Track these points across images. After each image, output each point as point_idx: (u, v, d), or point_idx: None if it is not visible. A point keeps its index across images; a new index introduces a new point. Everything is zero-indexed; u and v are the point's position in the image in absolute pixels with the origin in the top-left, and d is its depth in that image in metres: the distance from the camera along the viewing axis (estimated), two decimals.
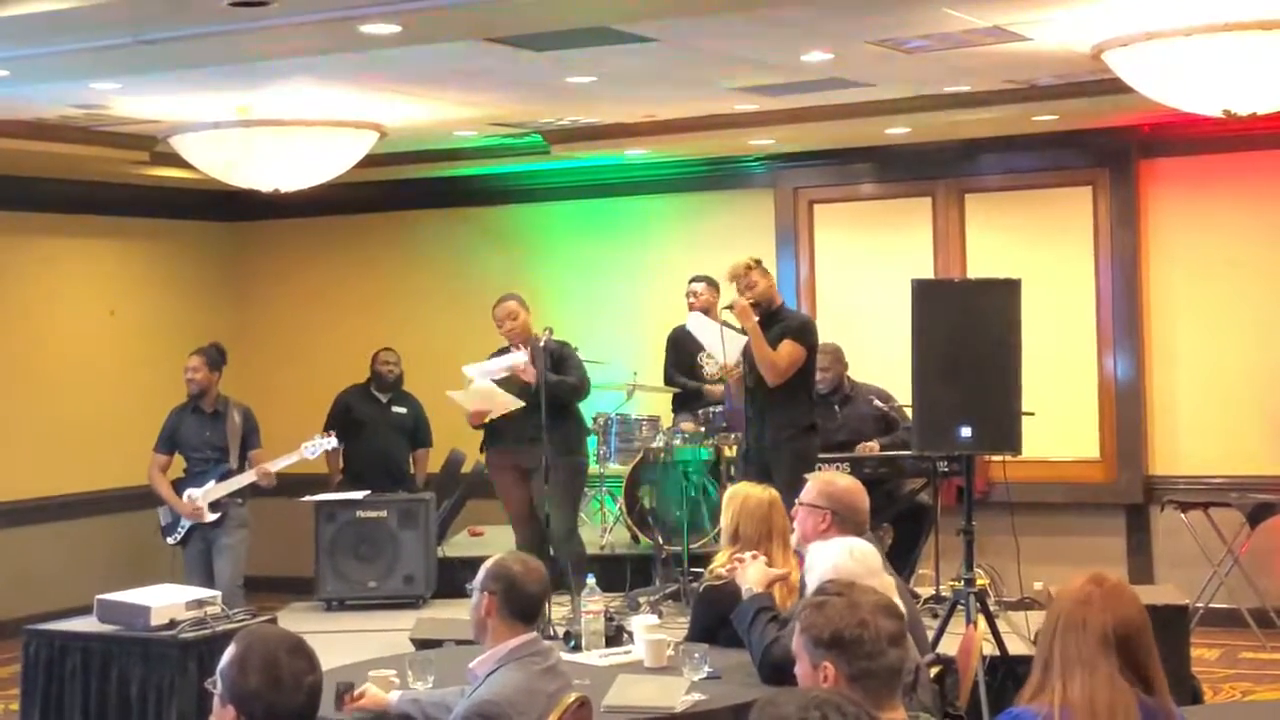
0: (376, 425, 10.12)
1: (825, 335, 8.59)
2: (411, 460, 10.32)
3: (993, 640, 6.93)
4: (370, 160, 9.16)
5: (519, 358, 8.26)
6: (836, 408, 8.98)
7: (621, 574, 9.20)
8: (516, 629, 4.37)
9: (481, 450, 8.79)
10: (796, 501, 5.49)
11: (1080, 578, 3.44)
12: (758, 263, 8.11)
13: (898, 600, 4.64)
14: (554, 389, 8.18)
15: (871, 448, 8.73)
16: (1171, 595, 7.40)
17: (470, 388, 8.39)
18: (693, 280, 9.54)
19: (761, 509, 5.61)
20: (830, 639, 3.31)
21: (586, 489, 9.48)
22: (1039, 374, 8.32)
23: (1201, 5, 6.33)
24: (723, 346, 8.10)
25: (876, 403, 8.96)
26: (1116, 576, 3.48)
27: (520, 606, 4.37)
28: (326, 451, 9.23)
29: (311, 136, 8.40)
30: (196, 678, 6.15)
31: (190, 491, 8.76)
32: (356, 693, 4.67)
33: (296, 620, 8.67)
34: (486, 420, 8.48)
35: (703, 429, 9.14)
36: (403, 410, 10.26)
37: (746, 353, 8.01)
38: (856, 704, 2.74)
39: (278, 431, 9.36)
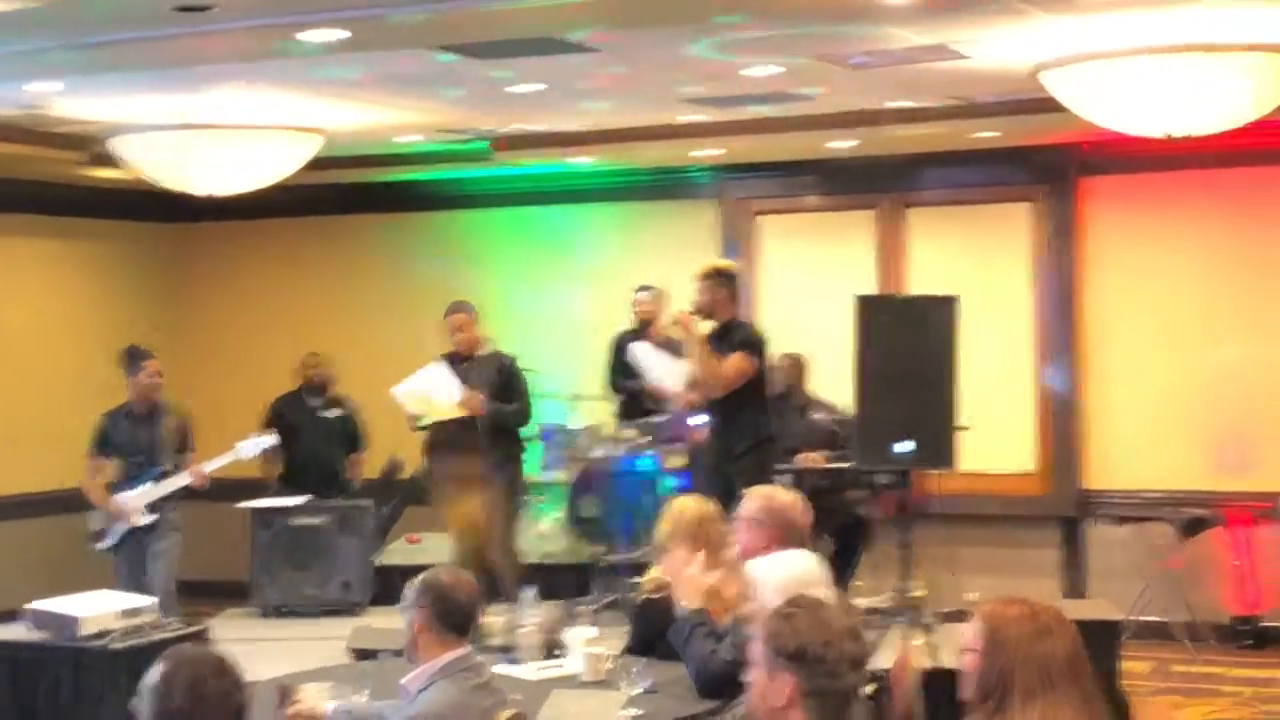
0: (309, 430, 9.99)
1: (771, 346, 8.61)
2: (347, 464, 10.26)
3: (928, 653, 6.96)
4: (312, 164, 9.09)
5: (452, 393, 8.19)
6: (792, 415, 9.00)
7: (561, 584, 9.16)
8: (448, 643, 4.34)
9: (424, 456, 8.75)
10: (736, 515, 5.49)
11: (1010, 604, 3.47)
12: (719, 272, 7.97)
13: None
14: (497, 419, 8.19)
15: (814, 458, 8.75)
16: (1103, 610, 7.49)
17: (411, 388, 8.34)
18: (638, 290, 9.54)
19: (693, 523, 5.60)
20: (794, 651, 3.31)
21: (526, 498, 9.46)
22: (977, 387, 8.40)
23: (1139, 28, 6.38)
24: (669, 374, 8.09)
25: (818, 416, 8.98)
26: (1040, 600, 3.53)
27: (452, 619, 4.34)
28: (265, 454, 9.17)
29: (253, 140, 8.35)
30: (128, 689, 6.07)
31: (122, 494, 8.68)
32: (294, 698, 4.64)
33: (233, 627, 8.60)
34: (418, 425, 8.42)
35: (644, 437, 9.15)
36: (335, 414, 10.18)
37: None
38: None
39: (215, 435, 9.29)
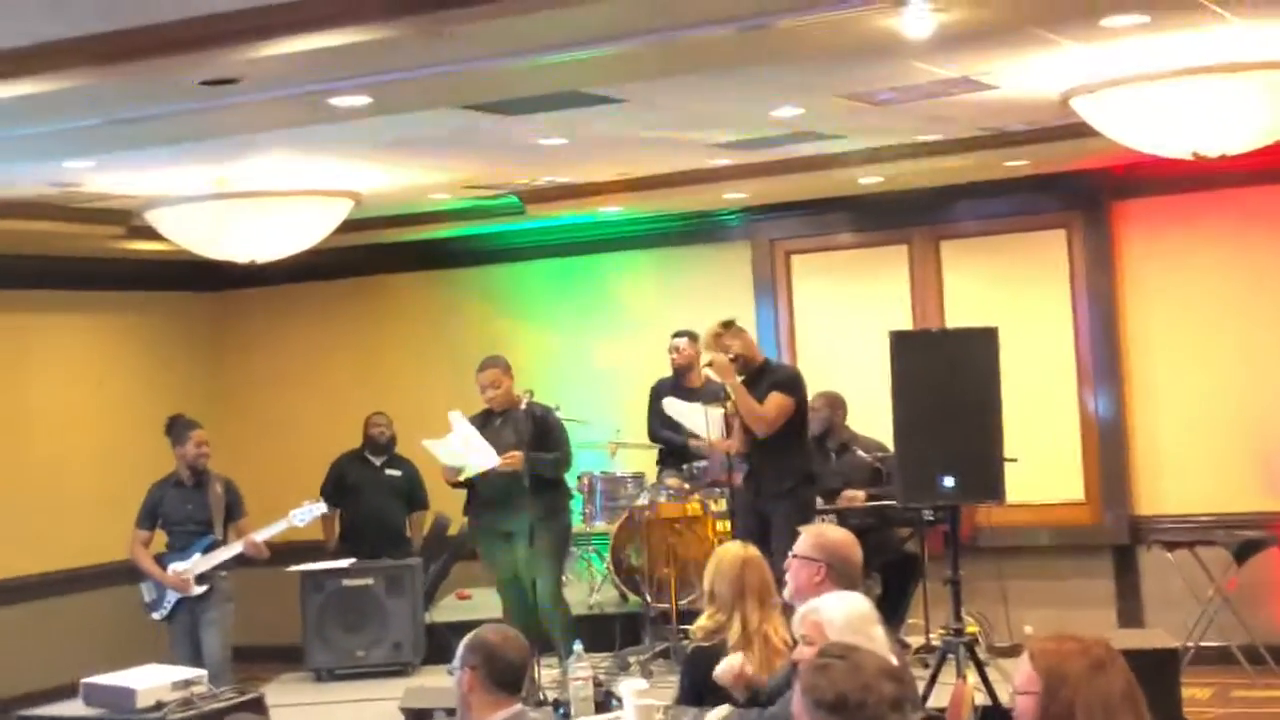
0: (371, 489, 10.05)
1: (808, 386, 8.60)
2: (408, 523, 10.26)
3: (983, 690, 6.91)
4: (347, 225, 9.17)
5: (488, 459, 8.20)
6: (833, 455, 8.99)
7: (611, 633, 9.17)
8: (501, 702, 4.33)
9: (465, 514, 8.76)
10: (790, 554, 5.47)
11: (1061, 642, 3.44)
12: (729, 325, 8.17)
13: (892, 657, 4.67)
14: (539, 469, 8.18)
15: (856, 497, 8.73)
16: (1161, 639, 7.40)
17: (447, 442, 8.33)
18: (675, 336, 9.55)
19: (735, 569, 5.58)
20: (834, 702, 3.29)
21: (573, 549, 9.45)
22: (1021, 418, 8.35)
23: (1166, 51, 6.37)
24: (706, 425, 8.10)
25: (859, 452, 8.96)
26: (1091, 636, 3.50)
27: (502, 677, 4.34)
28: (321, 518, 9.22)
29: (287, 206, 8.41)
30: None
31: (175, 565, 8.70)
32: None
33: (286, 692, 8.64)
34: (460, 479, 8.40)
35: (687, 485, 9.14)
36: (397, 473, 10.21)
37: (740, 417, 8.02)
38: None
39: (266, 502, 9.31)
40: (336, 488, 9.85)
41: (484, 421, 8.44)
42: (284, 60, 5.44)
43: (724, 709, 5.16)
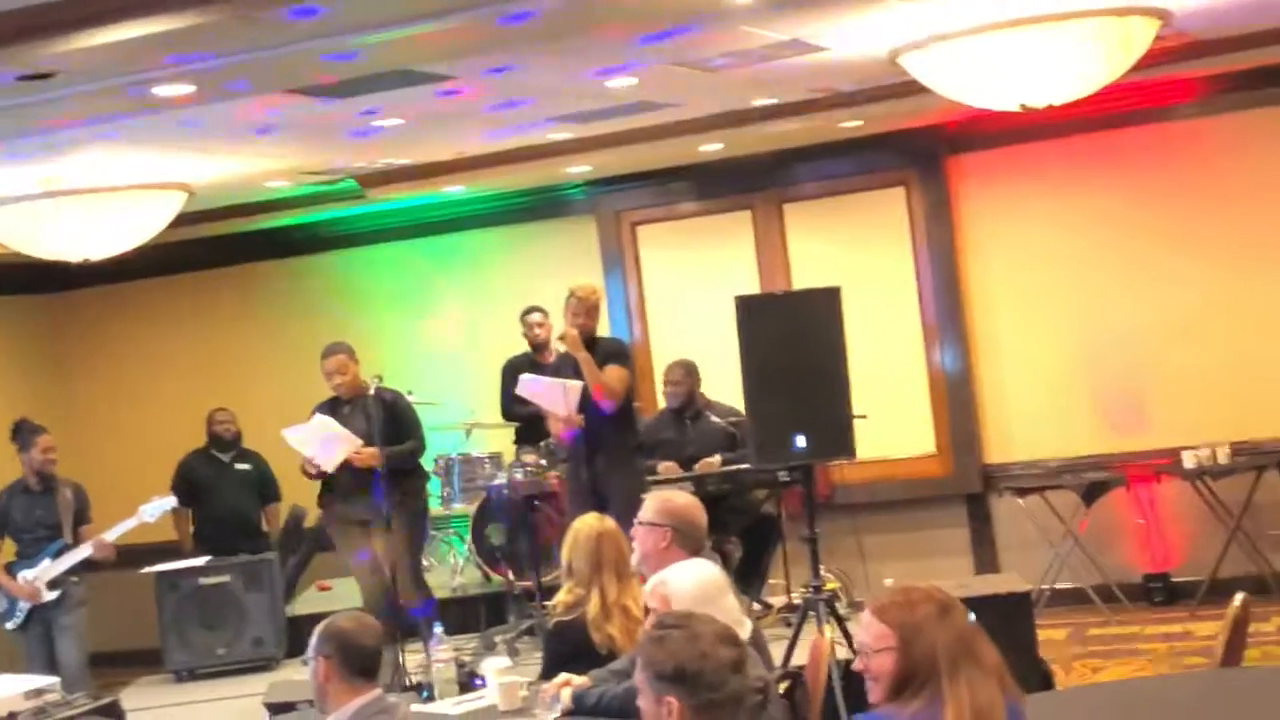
0: (221, 485, 9.84)
1: (659, 355, 8.65)
2: (263, 516, 10.12)
3: (845, 644, 6.98)
4: (182, 219, 8.97)
5: (345, 443, 8.10)
6: (688, 423, 9.01)
7: (476, 614, 9.14)
8: (358, 689, 4.30)
9: (319, 505, 8.66)
10: (635, 521, 5.48)
11: (901, 594, 3.49)
12: (590, 296, 8.21)
13: (744, 623, 4.70)
14: (395, 461, 8.10)
15: (712, 464, 8.77)
16: (1015, 583, 7.53)
17: (310, 427, 8.21)
18: (528, 313, 9.49)
19: (591, 542, 5.59)
20: (673, 673, 3.29)
21: (433, 532, 9.39)
22: (870, 375, 8.45)
23: (990, 4, 6.44)
24: (564, 398, 8.07)
25: (713, 419, 8.99)
26: (927, 584, 3.55)
27: (358, 664, 4.30)
28: (174, 515, 9.05)
29: (117, 202, 8.21)
30: None
31: (24, 573, 8.51)
32: None
33: (145, 695, 8.51)
34: (327, 471, 8.29)
35: (544, 460, 9.11)
36: (247, 467, 10.03)
37: (585, 393, 8.03)
38: None
39: (117, 505, 9.08)
40: (186, 487, 9.65)
41: (332, 409, 8.34)
42: (101, 51, 5.32)
43: (582, 680, 5.16)
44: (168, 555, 9.50)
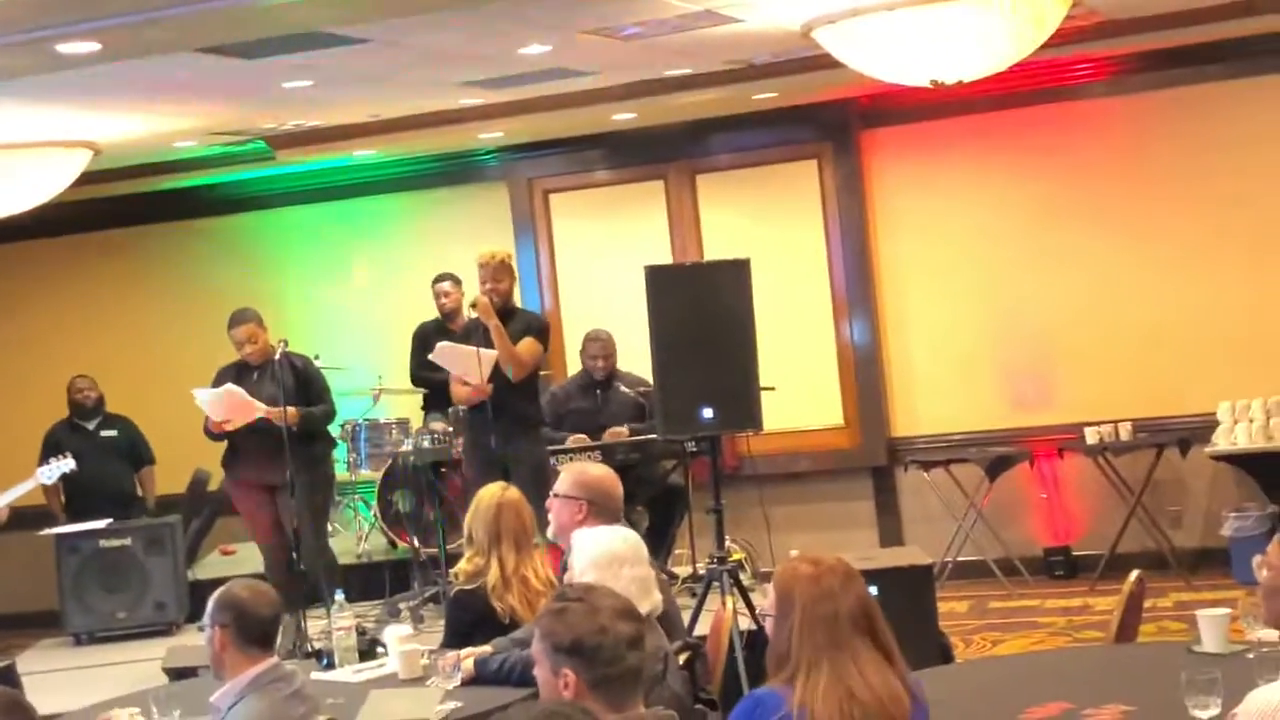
0: (88, 453, 9.45)
1: (571, 324, 8.63)
2: (137, 481, 9.98)
3: (749, 614, 7.02)
4: (87, 177, 8.84)
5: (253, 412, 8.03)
6: (598, 393, 9.00)
7: (381, 581, 9.10)
8: (254, 657, 4.26)
9: (222, 466, 8.55)
10: (551, 493, 5.47)
11: (799, 564, 3.50)
12: (506, 263, 8.18)
13: (655, 592, 4.71)
14: (307, 424, 8.04)
15: (620, 433, 8.77)
16: (916, 556, 7.59)
17: (218, 393, 8.10)
18: (438, 280, 9.44)
19: (491, 511, 5.56)
20: (570, 646, 3.29)
21: (338, 498, 9.33)
22: (779, 347, 8.51)
23: None
24: (479, 366, 8.03)
25: (622, 388, 8.99)
26: (832, 555, 3.55)
27: (254, 633, 4.27)
28: (43, 488, 8.92)
29: (19, 159, 8.08)
30: None
31: None
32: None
33: (43, 658, 8.42)
34: (227, 429, 8.18)
35: (452, 428, 9.08)
36: (113, 433, 9.88)
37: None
38: (585, 712, 2.73)
39: (7, 468, 8.99)
40: (52, 455, 9.41)
41: (238, 374, 8.23)
42: (3, 5, 5.22)
43: (484, 648, 5.16)
44: (45, 521, 9.37)
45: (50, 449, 9.41)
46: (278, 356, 8.06)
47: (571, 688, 3.26)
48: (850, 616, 3.41)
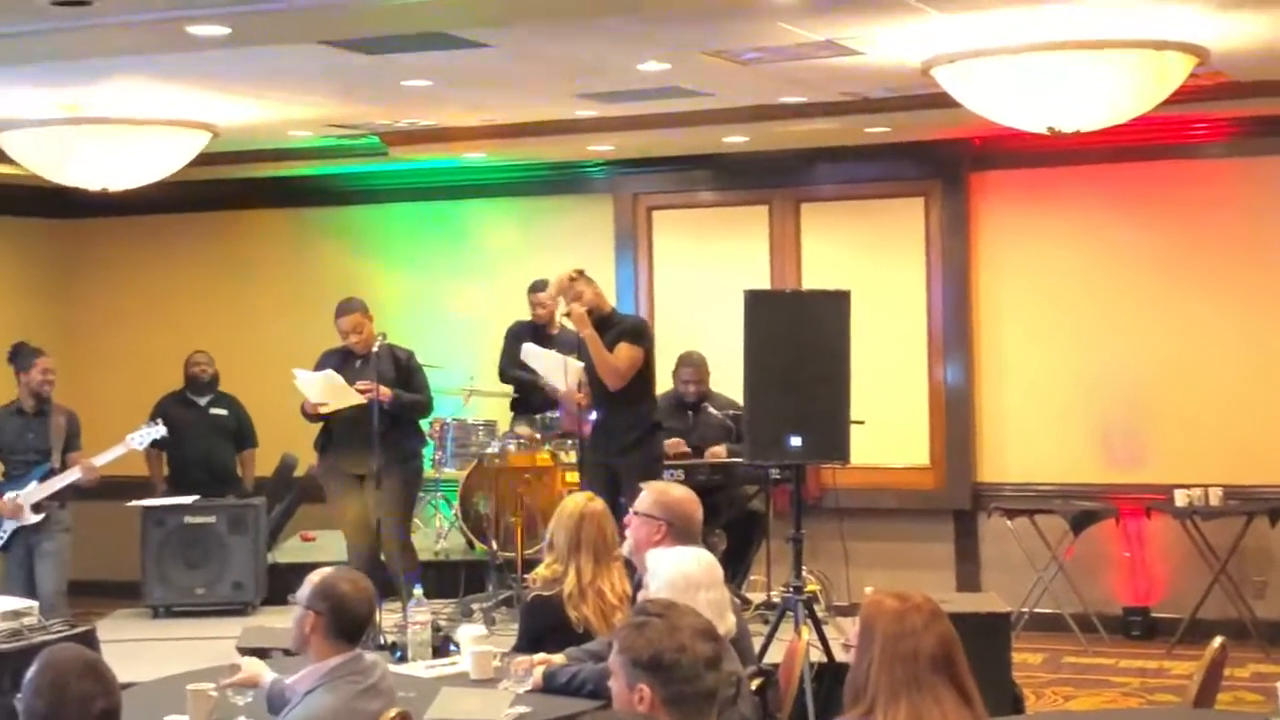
0: (196, 429, 9.76)
1: (664, 342, 8.64)
2: (238, 462, 10.10)
3: (820, 647, 7.01)
4: (204, 159, 9.00)
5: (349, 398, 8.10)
6: (690, 413, 9.01)
7: (456, 580, 9.16)
8: (339, 647, 4.31)
9: (316, 449, 8.63)
10: (631, 510, 5.49)
11: (886, 597, 3.49)
12: (580, 273, 8.12)
13: (730, 613, 4.72)
14: (405, 409, 8.11)
15: (719, 453, 8.77)
16: (994, 604, 7.54)
17: (317, 377, 8.20)
18: (535, 290, 9.47)
19: (573, 520, 5.59)
20: (649, 661, 3.31)
21: (421, 494, 9.40)
22: (871, 382, 8.46)
23: (1028, 25, 6.44)
24: (564, 375, 8.07)
25: (712, 410, 8.99)
26: (919, 593, 3.54)
27: (345, 628, 4.31)
28: (150, 454, 9.05)
29: (141, 135, 8.23)
30: (10, 690, 5.98)
31: (9, 494, 8.53)
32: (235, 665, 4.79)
33: (120, 628, 8.53)
34: (322, 411, 8.25)
35: (539, 434, 9.13)
36: (222, 411, 9.99)
37: (589, 368, 8.01)
38: None
39: (104, 434, 9.13)
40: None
41: (342, 361, 8.31)
42: None
43: (557, 657, 5.18)
44: (142, 491, 9.51)
45: (158, 418, 9.57)
46: (375, 348, 8.13)
47: (646, 703, 3.27)
48: (931, 656, 3.39)
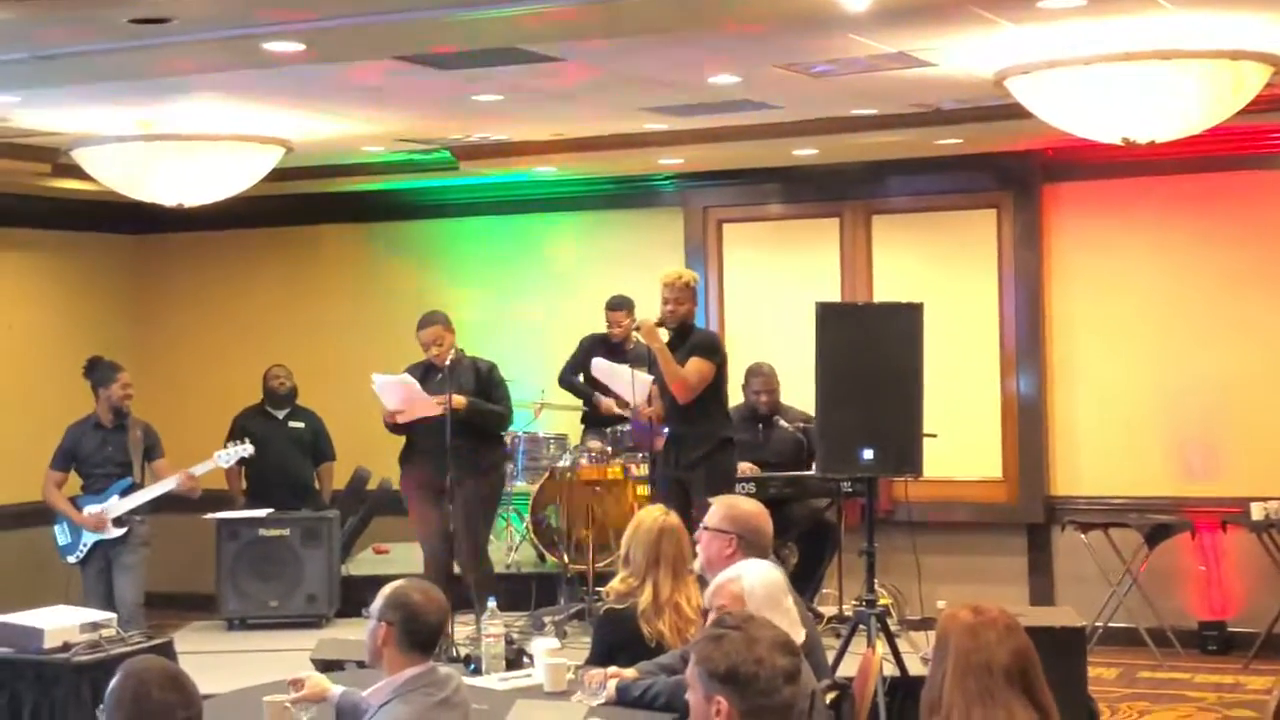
0: (274, 442, 9.80)
1: (734, 354, 8.63)
2: (316, 476, 10.18)
3: (893, 661, 6.98)
4: (277, 174, 9.09)
5: (426, 408, 8.12)
6: (760, 427, 9.00)
7: (527, 593, 9.18)
8: (413, 659, 4.32)
9: (400, 465, 8.64)
10: (701, 526, 5.49)
11: (961, 610, 3.48)
12: (690, 286, 8.05)
13: (800, 627, 4.70)
14: (484, 418, 8.13)
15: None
16: (1069, 617, 7.49)
17: (394, 381, 8.22)
18: (615, 308, 9.48)
19: (651, 535, 5.59)
20: (726, 674, 3.29)
21: (501, 508, 9.42)
22: (943, 394, 8.41)
23: (1101, 35, 6.41)
24: (632, 389, 8.08)
25: (783, 423, 8.98)
26: (996, 606, 3.52)
27: (418, 638, 4.32)
28: (238, 464, 9.15)
29: (216, 151, 8.32)
30: (90, 702, 6.06)
31: (90, 507, 8.63)
32: (297, 679, 4.80)
33: (196, 640, 8.61)
34: (400, 421, 8.26)
35: (609, 448, 9.15)
36: (300, 425, 10.06)
37: (659, 381, 8.01)
38: None
39: (181, 448, 9.26)
40: (240, 441, 9.62)
41: (424, 374, 8.34)
42: (217, 1, 5.38)
43: (629, 671, 5.18)
44: (221, 505, 9.60)
45: (236, 433, 9.66)
46: (448, 360, 8.13)
47: (724, 715, 3.26)
48: (1005, 670, 3.37)
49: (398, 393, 8.15)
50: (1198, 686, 8.75)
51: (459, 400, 8.03)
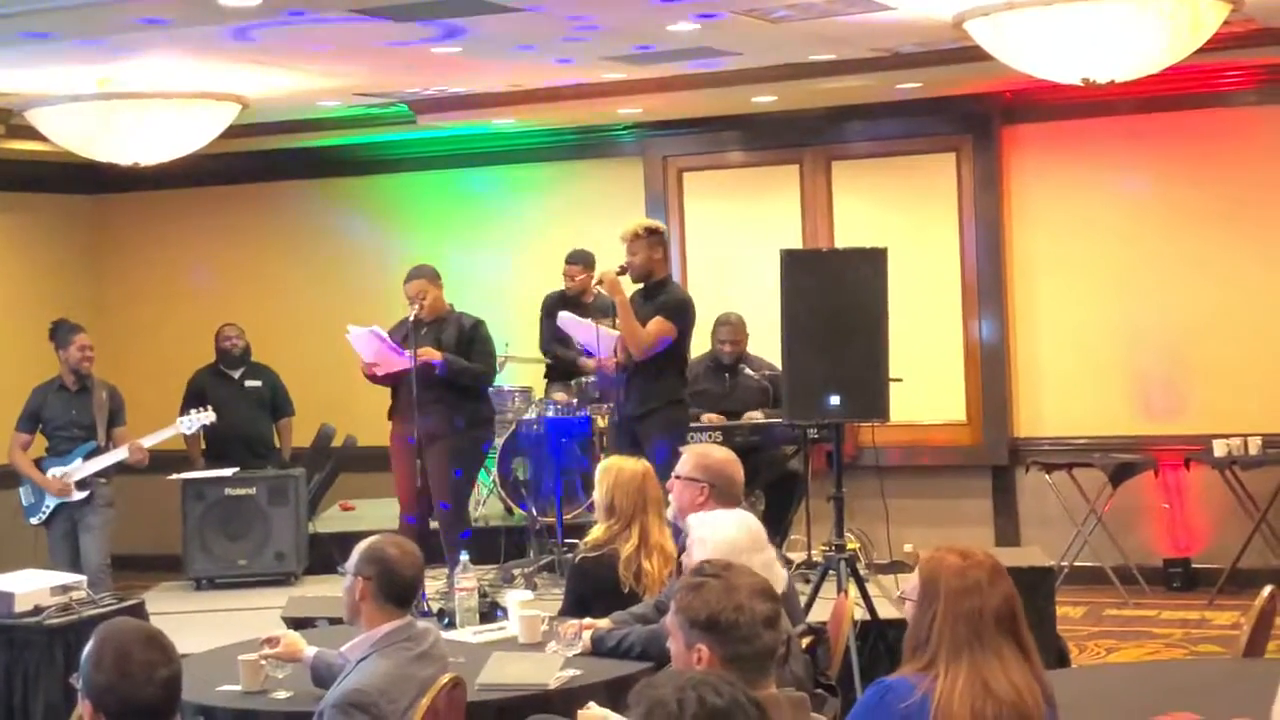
0: (231, 401, 9.70)
1: (697, 304, 8.59)
2: (275, 431, 10.12)
3: (863, 605, 7.01)
4: (233, 131, 9.00)
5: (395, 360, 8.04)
6: (726, 376, 8.99)
7: (496, 547, 9.16)
8: (390, 614, 4.34)
9: (389, 418, 8.54)
10: (673, 474, 5.49)
11: (947, 554, 3.49)
12: (650, 231, 7.90)
13: (779, 572, 4.72)
14: (457, 375, 8.03)
15: (755, 417, 8.76)
16: (1037, 557, 7.55)
17: (364, 332, 8.13)
18: (570, 261, 9.43)
19: (635, 481, 5.61)
20: (706, 621, 3.32)
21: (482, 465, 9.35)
22: (906, 339, 8.42)
23: None
24: (597, 342, 8.04)
25: (749, 372, 8.99)
26: (980, 549, 3.54)
27: (395, 592, 4.34)
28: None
29: (171, 109, 8.23)
30: (63, 665, 6.05)
31: (54, 469, 8.58)
32: (271, 637, 4.81)
33: (165, 600, 8.58)
34: (377, 374, 8.16)
35: (575, 399, 9.13)
36: (257, 383, 9.99)
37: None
38: (731, 683, 2.75)
39: (139, 408, 9.20)
40: (196, 403, 9.53)
41: (413, 328, 8.22)
42: None
43: (603, 621, 5.20)
44: (181, 465, 9.55)
45: (194, 396, 9.61)
46: (428, 315, 8.00)
47: (705, 663, 3.28)
48: (995, 614, 3.40)
49: (369, 344, 8.08)
50: (1163, 623, 8.84)
51: (434, 353, 7.94)
